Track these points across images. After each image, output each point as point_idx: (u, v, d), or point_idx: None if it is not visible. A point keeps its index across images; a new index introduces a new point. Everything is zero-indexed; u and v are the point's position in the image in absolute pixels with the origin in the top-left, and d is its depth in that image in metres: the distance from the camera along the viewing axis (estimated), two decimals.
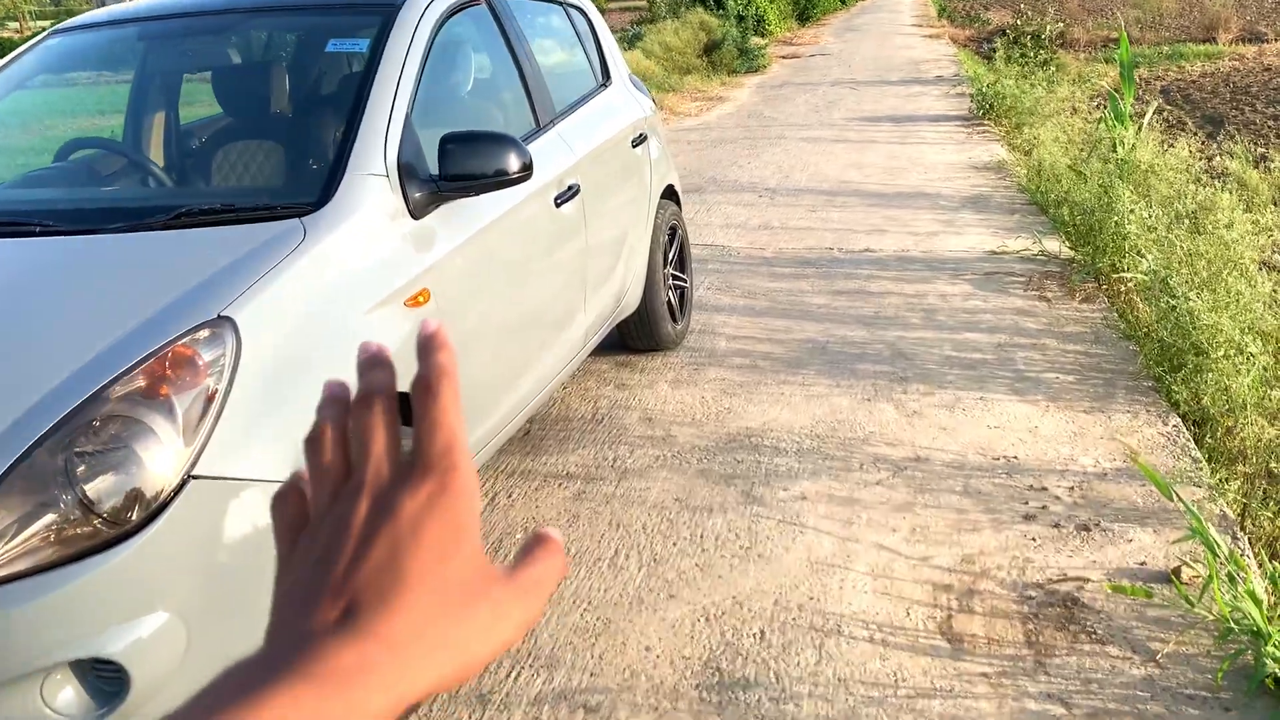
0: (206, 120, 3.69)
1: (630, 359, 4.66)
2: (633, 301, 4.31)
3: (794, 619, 2.77)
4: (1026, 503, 3.35)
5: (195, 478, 1.90)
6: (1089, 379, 4.30)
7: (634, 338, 4.57)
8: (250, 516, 1.97)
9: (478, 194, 2.72)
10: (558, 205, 3.39)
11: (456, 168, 2.65)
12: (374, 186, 2.53)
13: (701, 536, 3.19)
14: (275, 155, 2.84)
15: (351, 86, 2.75)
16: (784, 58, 18.82)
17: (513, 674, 2.57)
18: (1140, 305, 5.00)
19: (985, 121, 10.92)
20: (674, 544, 3.15)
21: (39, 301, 2.15)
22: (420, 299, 2.55)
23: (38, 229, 2.41)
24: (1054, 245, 6.20)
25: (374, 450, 0.49)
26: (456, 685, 0.46)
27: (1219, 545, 2.74)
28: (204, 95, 3.66)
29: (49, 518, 1.78)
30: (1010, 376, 4.35)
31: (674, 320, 4.67)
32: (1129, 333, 4.74)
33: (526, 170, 2.74)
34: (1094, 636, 2.68)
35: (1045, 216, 7.11)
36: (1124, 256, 5.06)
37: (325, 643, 0.43)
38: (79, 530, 1.80)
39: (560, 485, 3.55)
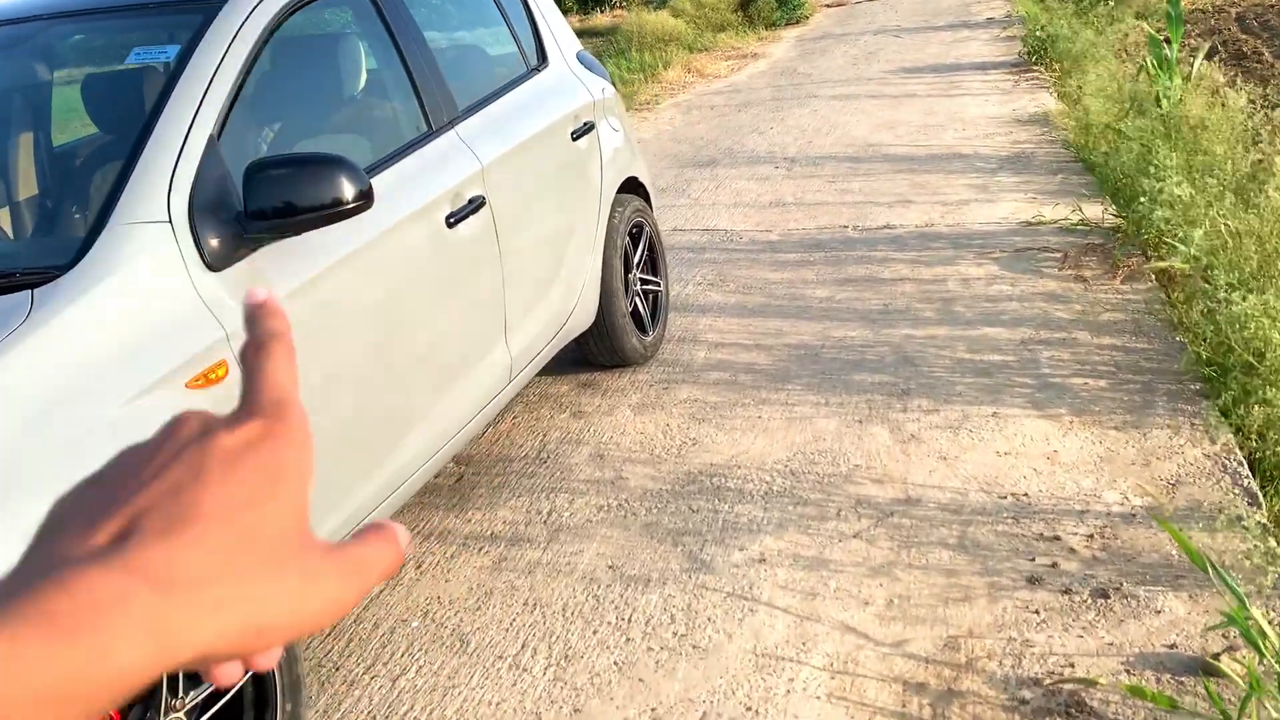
0: None
1: (595, 377, 4.12)
2: (585, 317, 3.75)
3: None
4: (1033, 559, 2.73)
5: None
6: (1124, 383, 3.63)
7: (594, 354, 4.02)
8: None
9: (298, 233, 2.19)
10: (450, 225, 2.84)
11: (266, 201, 2.12)
12: (147, 237, 2.01)
13: (629, 621, 2.64)
14: (32, 204, 2.34)
15: (142, 108, 2.23)
16: (828, 6, 17.86)
17: None
18: (1182, 292, 4.28)
19: (1035, 68, 10.03)
20: (594, 632, 2.61)
21: None
22: (213, 375, 2.03)
23: None
24: (1096, 212, 5.46)
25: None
26: (239, 655, 0.40)
27: (1269, 637, 2.12)
28: None
29: None
30: (1031, 384, 3.70)
31: (642, 331, 4.10)
32: (1177, 320, 4.04)
33: (364, 199, 2.21)
34: None
35: (1092, 176, 6.35)
36: (1165, 232, 4.34)
37: (80, 571, 0.36)
38: None
39: (480, 550, 3.03)
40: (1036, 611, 2.54)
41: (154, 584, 0.37)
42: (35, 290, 1.86)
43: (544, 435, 3.70)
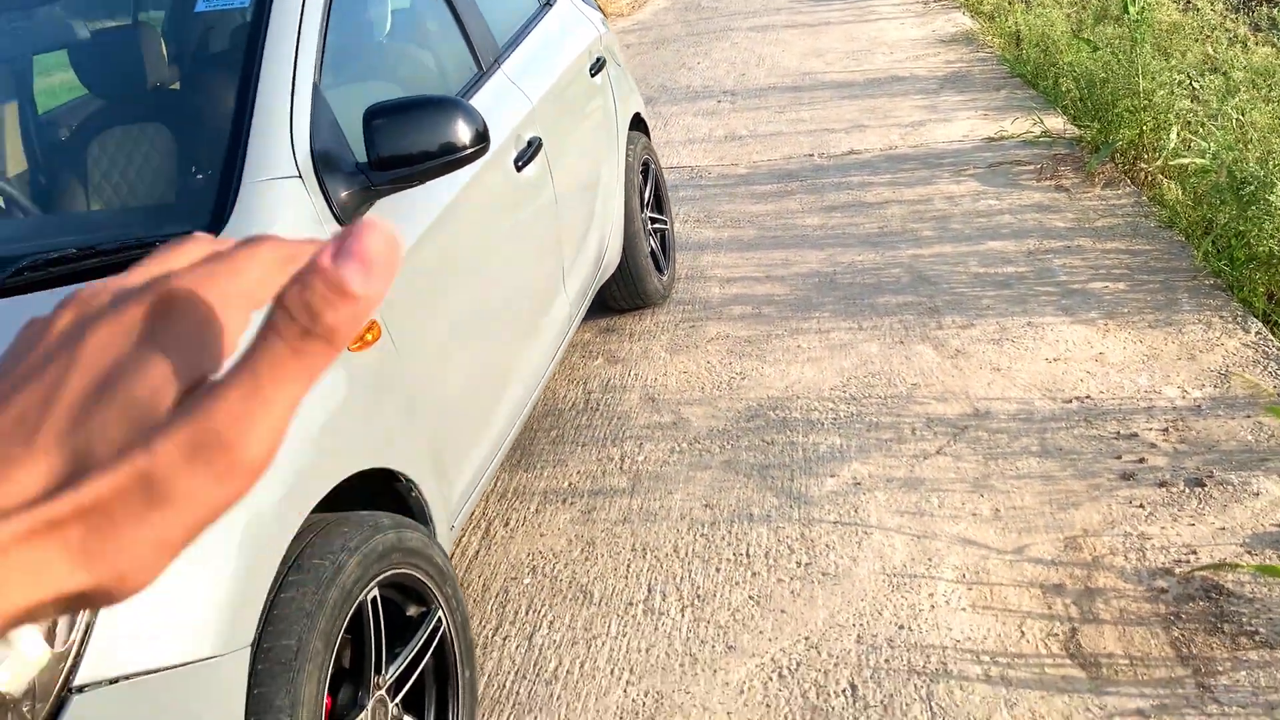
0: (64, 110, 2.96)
1: (615, 322, 4.05)
2: (613, 260, 3.68)
3: (887, 662, 2.23)
4: (1119, 456, 2.82)
5: (81, 689, 1.29)
6: (1143, 284, 3.75)
7: (617, 298, 3.95)
8: (193, 707, 1.37)
9: (422, 182, 2.07)
10: (519, 169, 2.73)
11: (390, 149, 1.99)
12: (283, 194, 1.87)
13: (747, 555, 2.63)
14: (148, 164, 2.15)
15: (236, 56, 2.06)
16: None
17: None
18: (1172, 189, 4.43)
19: None
20: (717, 570, 2.59)
21: None
22: (368, 336, 1.91)
23: None
24: (1056, 123, 5.60)
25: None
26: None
27: None
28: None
29: None
30: (1054, 291, 3.79)
31: (659, 271, 4.04)
32: (1168, 221, 4.19)
33: (482, 140, 2.09)
34: (1257, 639, 2.17)
35: (1034, 90, 6.49)
36: (1154, 133, 4.47)
37: None
38: None
39: (565, 503, 2.97)
40: (1141, 506, 2.62)
41: None
42: None
43: (584, 384, 3.63)
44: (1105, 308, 3.61)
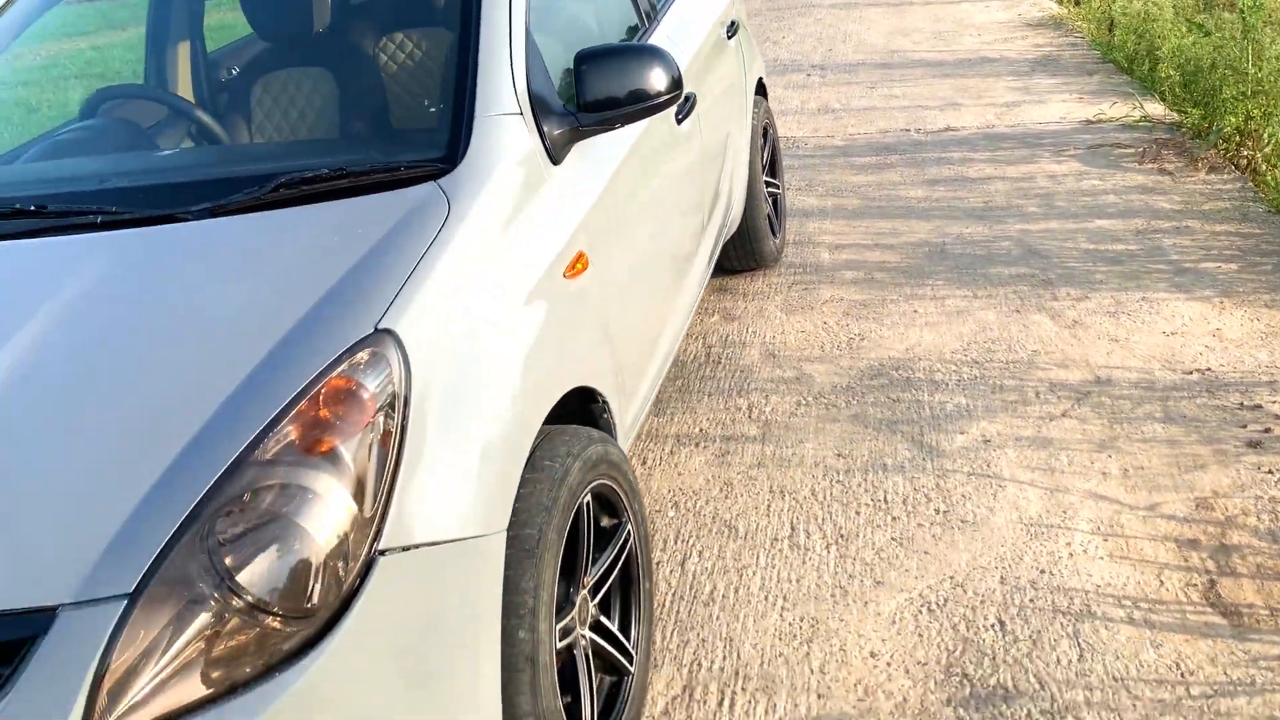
0: (239, 46, 3.11)
1: (727, 282, 4.16)
2: (735, 219, 3.79)
3: (1031, 601, 2.35)
4: (1244, 426, 2.90)
5: (386, 553, 1.43)
6: (1256, 265, 3.81)
7: (732, 258, 4.06)
8: (458, 585, 1.52)
9: (624, 124, 2.19)
10: (679, 122, 2.85)
11: (597, 93, 2.12)
12: (510, 130, 2.00)
13: (885, 501, 2.75)
14: (367, 98, 2.29)
15: (457, 2, 2.18)
16: None
17: (724, 701, 2.16)
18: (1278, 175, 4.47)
19: None
20: (856, 513, 2.71)
21: (131, 326, 1.65)
22: (579, 266, 2.04)
23: (99, 219, 1.89)
24: (1155, 109, 5.63)
25: None
26: None
27: None
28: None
29: (195, 638, 1.33)
30: (1166, 269, 3.86)
31: (773, 234, 4.15)
32: (1278, 206, 4.23)
33: (677, 88, 2.21)
34: None
35: (1128, 76, 6.51)
36: (1262, 119, 4.50)
37: None
38: (240, 649, 1.34)
39: (698, 447, 3.09)
40: (1270, 472, 2.71)
41: None
42: (439, 182, 1.85)
43: (704, 339, 3.75)
44: (1220, 286, 3.68)
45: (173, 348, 1.59)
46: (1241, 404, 3.00)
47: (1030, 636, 2.25)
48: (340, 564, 1.40)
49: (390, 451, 1.48)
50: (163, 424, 1.45)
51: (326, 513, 1.40)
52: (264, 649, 1.35)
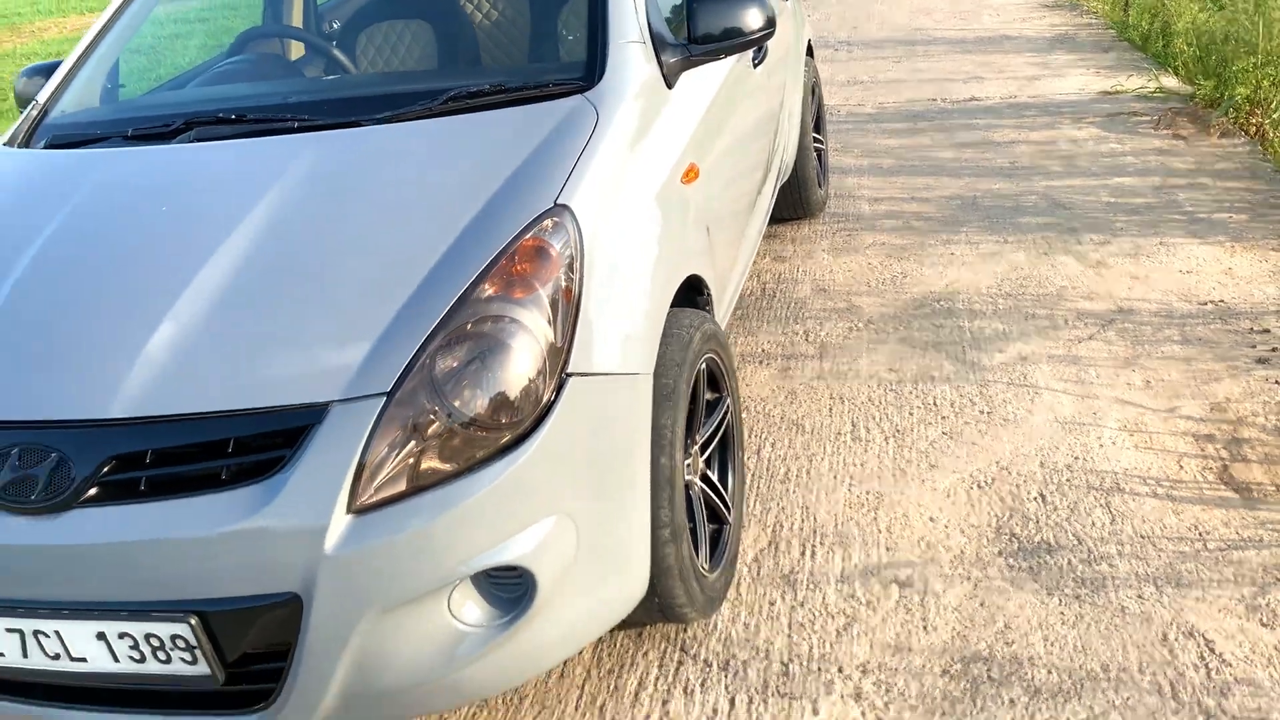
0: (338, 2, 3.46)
1: (776, 230, 4.51)
2: (789, 164, 4.13)
3: (1068, 480, 2.70)
4: (1254, 346, 3.26)
5: (571, 375, 1.79)
6: (1264, 216, 4.16)
7: (782, 205, 4.40)
8: (625, 407, 1.88)
9: (726, 56, 2.54)
10: (755, 66, 3.20)
11: (706, 28, 2.46)
12: (636, 56, 2.35)
13: (934, 405, 3.10)
14: (523, 31, 2.63)
15: None
16: None
17: (805, 553, 2.51)
18: None
19: None
20: (910, 414, 3.07)
21: (355, 198, 2.00)
22: (692, 174, 2.40)
23: (295, 124, 2.24)
24: (1169, 82, 5.98)
25: None
26: None
27: None
28: None
29: (434, 431, 1.68)
30: (1182, 219, 4.21)
31: (819, 184, 4.50)
32: None
33: (771, 26, 2.55)
34: None
35: (1142, 53, 6.85)
36: (1271, 88, 4.85)
37: None
38: (467, 442, 1.70)
39: (761, 364, 3.45)
40: (1277, 383, 3.06)
41: None
42: (586, 95, 2.19)
43: (758, 278, 4.10)
44: (1231, 233, 4.03)
45: (393, 214, 1.94)
46: (1251, 329, 3.36)
47: (1068, 506, 2.60)
48: (540, 381, 1.75)
49: (571, 297, 1.83)
50: (400, 268, 1.80)
51: (530, 340, 1.76)
52: (484, 445, 1.71)
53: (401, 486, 1.67)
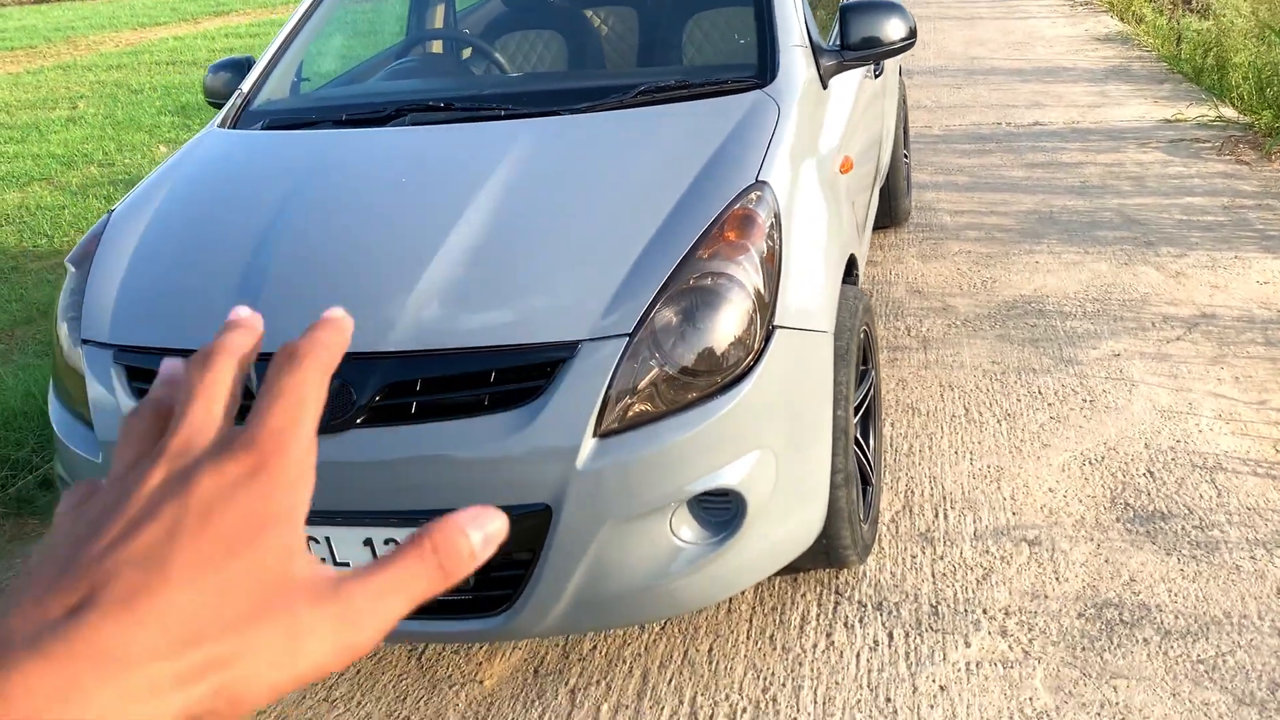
0: (478, 6, 3.75)
1: None
2: (885, 170, 4.39)
3: (1173, 459, 2.93)
4: None
5: (777, 328, 2.04)
6: None
7: (876, 212, 4.66)
8: (815, 360, 2.12)
9: (873, 61, 2.80)
10: (875, 77, 3.47)
11: (857, 35, 2.73)
12: (801, 58, 2.62)
13: (1038, 394, 3.34)
14: (705, 38, 2.91)
15: None
16: None
17: (938, 515, 2.75)
18: None
19: None
20: (1017, 400, 3.31)
21: (579, 172, 2.26)
22: (846, 166, 2.66)
23: (502, 112, 2.51)
24: (1228, 112, 6.23)
25: (193, 413, 0.39)
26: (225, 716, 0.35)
27: None
28: None
29: (664, 371, 1.93)
30: (1254, 235, 4.45)
31: (906, 193, 4.76)
32: None
33: (913, 36, 2.82)
34: None
35: (1196, 85, 7.11)
36: None
37: (17, 662, 0.32)
38: (691, 381, 1.95)
39: None
40: None
41: (105, 665, 0.33)
42: (765, 90, 2.46)
43: None
44: None
45: (612, 187, 2.21)
46: None
47: (1175, 481, 2.83)
48: (753, 331, 2.00)
49: (774, 260, 2.09)
50: (627, 231, 2.06)
51: (744, 295, 2.01)
52: (705, 384, 1.96)
53: (638, 416, 1.92)
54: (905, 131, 4.96)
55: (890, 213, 4.65)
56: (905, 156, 4.89)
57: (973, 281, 4.22)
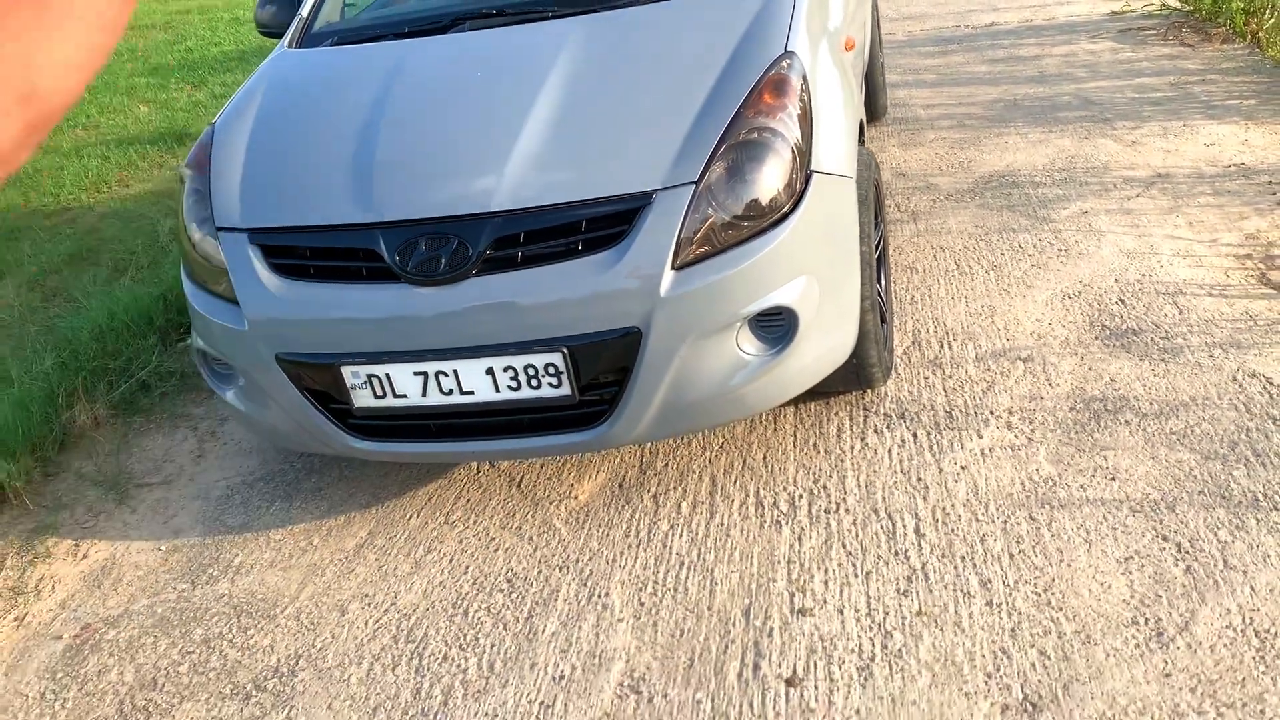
0: None
1: None
2: (865, 64, 4.77)
3: (1139, 288, 3.38)
4: (1275, 194, 3.95)
5: (814, 173, 2.44)
6: (1271, 101, 4.86)
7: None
8: (844, 201, 2.53)
9: None
10: None
11: None
12: None
13: (1020, 246, 3.78)
14: None
15: None
16: None
17: (943, 346, 3.18)
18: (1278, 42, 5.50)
19: None
20: (1001, 254, 3.74)
21: (629, 53, 2.64)
22: (850, 45, 3.05)
23: (549, 14, 2.87)
24: (1173, 1, 6.66)
25: None
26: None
27: None
28: None
29: (725, 211, 2.33)
30: (1199, 106, 4.89)
31: (883, 89, 5.15)
32: None
33: None
34: None
35: None
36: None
37: None
38: (747, 219, 2.35)
39: None
40: None
41: None
42: None
43: None
44: (1244, 114, 4.73)
45: (661, 64, 2.59)
46: (1270, 182, 4.05)
47: (1143, 306, 3.29)
48: (795, 175, 2.41)
49: (806, 115, 2.49)
50: (682, 99, 2.45)
51: (786, 146, 2.41)
52: (759, 221, 2.36)
53: (706, 250, 2.32)
54: (878, 32, 5.34)
55: (870, 107, 5.04)
56: (880, 55, 5.28)
57: (950, 162, 4.64)
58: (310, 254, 2.46)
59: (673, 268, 2.30)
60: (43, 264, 5.14)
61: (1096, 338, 3.15)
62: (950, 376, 3.03)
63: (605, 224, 2.33)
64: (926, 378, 3.04)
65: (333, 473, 3.05)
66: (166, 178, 6.49)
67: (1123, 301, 3.33)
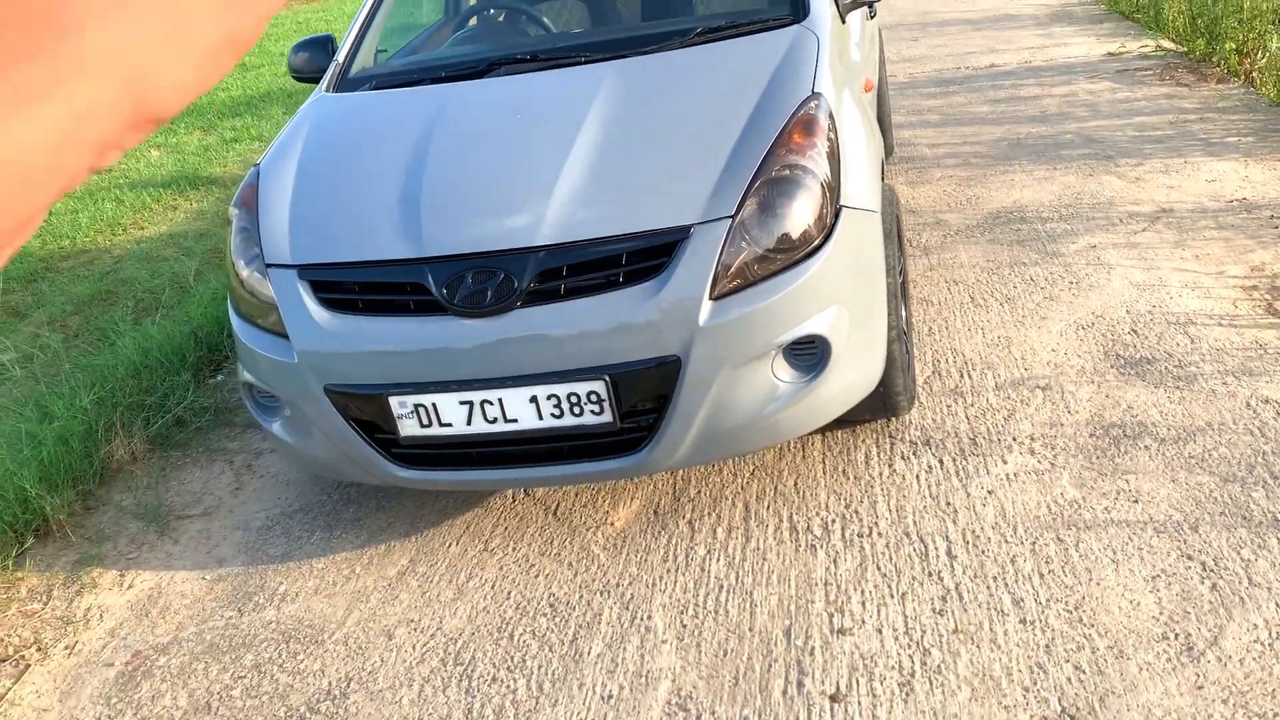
0: None
1: None
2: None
3: (1151, 319, 3.49)
4: (1277, 228, 4.07)
5: (843, 207, 2.55)
6: (1268, 138, 5.00)
7: None
8: (870, 234, 2.63)
9: (869, 3, 3.31)
10: (871, 18, 3.98)
11: None
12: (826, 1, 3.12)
13: (1032, 280, 3.88)
14: None
15: None
16: None
17: (963, 375, 3.28)
18: (1273, 81, 5.67)
19: None
20: (1014, 287, 3.85)
21: (662, 97, 2.75)
22: (869, 87, 3.17)
23: (582, 59, 2.98)
24: (1166, 44, 6.84)
25: None
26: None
27: None
28: None
29: (760, 245, 2.43)
30: (1199, 143, 5.03)
31: (890, 129, 5.29)
32: (1278, 100, 5.43)
33: None
34: None
35: (1133, 22, 7.72)
36: (1257, 39, 5.71)
37: None
38: (781, 251, 2.45)
39: None
40: None
41: None
42: (801, 25, 2.96)
43: None
44: (1243, 151, 4.86)
45: (694, 106, 2.69)
46: (1272, 215, 4.17)
47: (1155, 335, 3.39)
48: (825, 210, 2.51)
49: (834, 153, 2.59)
50: (716, 139, 2.55)
51: (816, 182, 2.51)
52: (792, 255, 2.46)
53: (742, 281, 2.42)
54: (884, 74, 5.49)
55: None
56: (886, 96, 5.42)
57: (958, 199, 4.76)
58: (359, 288, 2.55)
59: (710, 298, 2.39)
60: (61, 305, 5.23)
61: (1112, 366, 3.24)
62: (972, 405, 3.12)
63: (645, 257, 2.42)
64: (949, 406, 3.13)
65: (370, 503, 3.12)
66: (180, 220, 6.60)
67: (1135, 331, 3.42)
